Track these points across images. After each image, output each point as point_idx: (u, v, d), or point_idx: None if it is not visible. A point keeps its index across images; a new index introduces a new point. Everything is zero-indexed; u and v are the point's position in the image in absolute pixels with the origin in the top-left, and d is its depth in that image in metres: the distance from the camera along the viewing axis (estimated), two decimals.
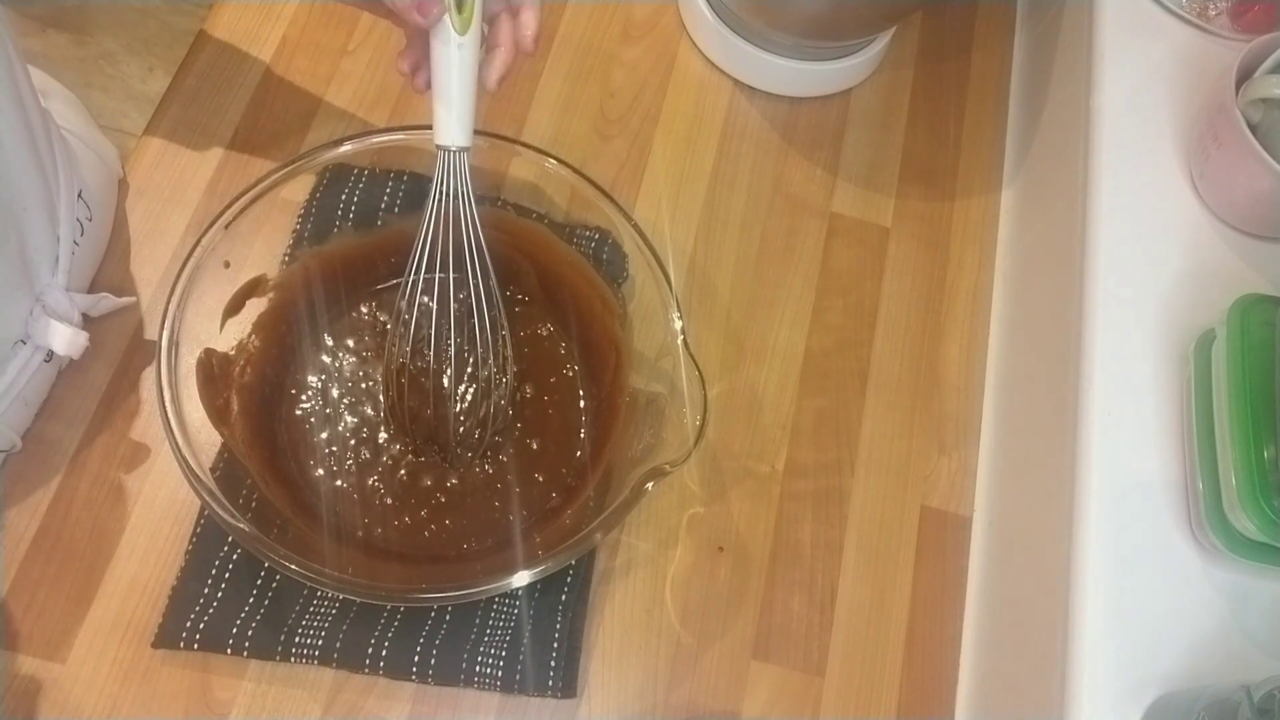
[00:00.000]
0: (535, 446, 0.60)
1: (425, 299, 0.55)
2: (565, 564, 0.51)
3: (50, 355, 0.56)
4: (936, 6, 0.81)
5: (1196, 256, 0.59)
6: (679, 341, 0.54)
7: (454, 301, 0.55)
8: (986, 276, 0.72)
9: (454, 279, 0.54)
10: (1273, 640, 0.50)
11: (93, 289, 0.61)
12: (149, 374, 0.60)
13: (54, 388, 0.59)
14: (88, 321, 0.60)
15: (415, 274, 0.54)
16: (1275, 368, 0.49)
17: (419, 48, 0.52)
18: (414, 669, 0.54)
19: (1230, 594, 0.51)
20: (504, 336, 0.58)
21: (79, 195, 0.58)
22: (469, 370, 0.59)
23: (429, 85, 0.49)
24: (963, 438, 0.67)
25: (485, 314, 0.55)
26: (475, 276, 0.54)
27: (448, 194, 0.51)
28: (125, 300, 0.61)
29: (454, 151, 0.50)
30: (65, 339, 0.54)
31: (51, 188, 0.55)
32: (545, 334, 0.63)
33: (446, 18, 0.48)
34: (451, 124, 0.50)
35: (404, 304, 0.55)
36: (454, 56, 0.49)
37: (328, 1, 0.52)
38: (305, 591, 0.56)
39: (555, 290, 0.63)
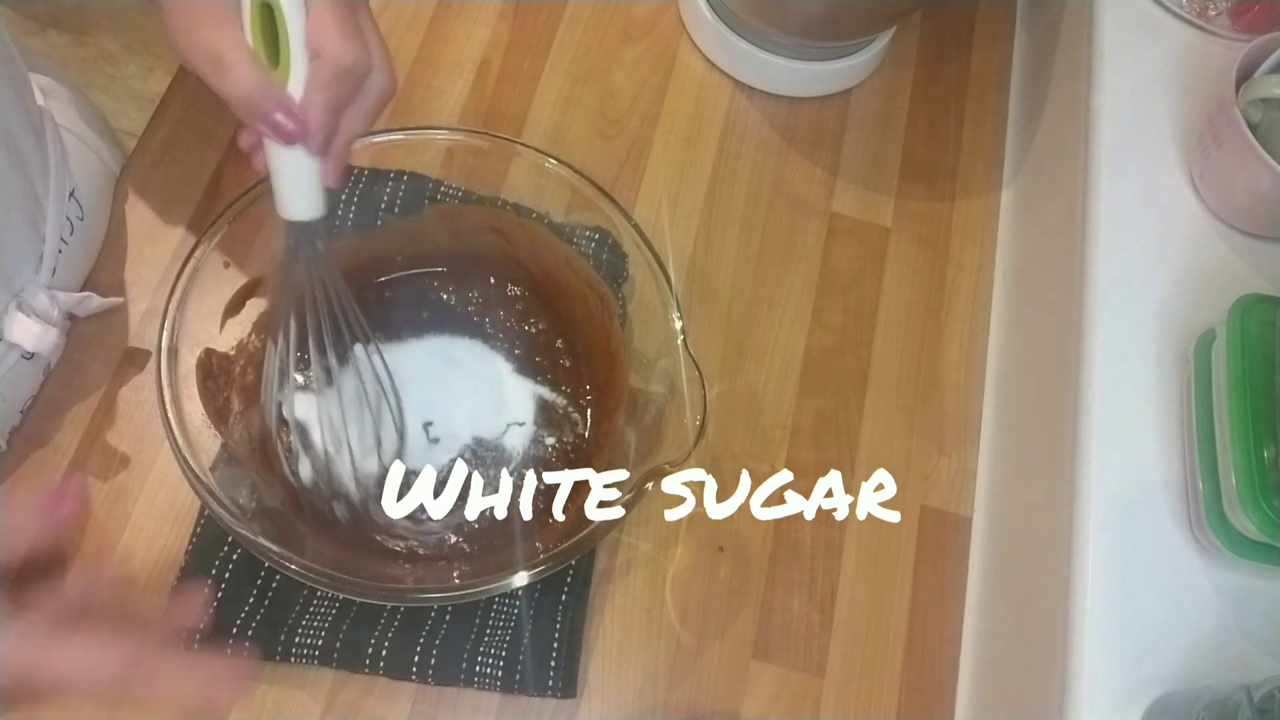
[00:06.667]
0: (534, 448, 0.60)
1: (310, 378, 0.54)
2: (565, 564, 0.51)
3: (31, 355, 0.55)
4: (936, 6, 0.81)
5: (1196, 256, 0.59)
6: (679, 341, 0.54)
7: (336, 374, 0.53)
8: (986, 276, 0.72)
9: (335, 351, 0.51)
10: (1273, 640, 0.50)
11: (88, 288, 0.60)
12: (149, 374, 0.60)
13: (53, 388, 0.59)
14: (79, 321, 0.59)
15: (289, 355, 0.51)
16: (1275, 368, 0.49)
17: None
18: (414, 669, 0.54)
19: (1230, 594, 0.51)
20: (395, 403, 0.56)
21: (70, 194, 0.58)
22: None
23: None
24: (963, 438, 0.67)
25: (377, 383, 0.55)
26: (355, 343, 0.53)
27: (304, 267, 0.48)
28: (112, 300, 0.60)
29: (300, 224, 0.46)
30: (34, 336, 0.53)
31: (38, 187, 0.55)
32: (543, 334, 0.63)
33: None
34: (284, 196, 0.45)
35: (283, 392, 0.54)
36: None
37: None
38: (305, 591, 0.56)
39: (554, 290, 0.63)
